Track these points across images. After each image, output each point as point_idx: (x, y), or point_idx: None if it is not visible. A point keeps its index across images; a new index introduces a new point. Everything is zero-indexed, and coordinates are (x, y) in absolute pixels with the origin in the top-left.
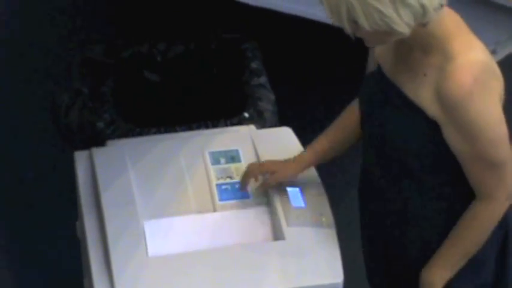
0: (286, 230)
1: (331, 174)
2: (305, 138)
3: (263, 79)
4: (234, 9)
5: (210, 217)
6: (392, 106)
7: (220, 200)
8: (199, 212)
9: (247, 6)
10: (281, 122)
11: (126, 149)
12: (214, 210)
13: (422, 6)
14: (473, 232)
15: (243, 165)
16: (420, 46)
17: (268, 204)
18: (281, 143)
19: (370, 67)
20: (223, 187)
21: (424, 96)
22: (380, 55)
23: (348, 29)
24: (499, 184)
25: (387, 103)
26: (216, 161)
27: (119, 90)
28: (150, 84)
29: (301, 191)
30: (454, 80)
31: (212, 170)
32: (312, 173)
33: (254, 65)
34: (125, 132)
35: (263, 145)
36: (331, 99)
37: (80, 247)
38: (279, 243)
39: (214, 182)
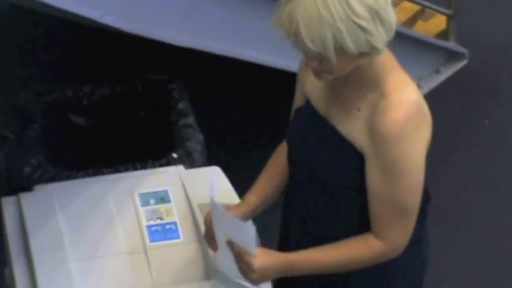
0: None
1: None
2: (234, 178)
3: (190, 119)
4: (160, 50)
5: (141, 258)
6: (323, 141)
7: (151, 241)
8: (130, 253)
9: (173, 47)
10: (210, 161)
11: (54, 194)
12: (145, 251)
13: (390, 24)
14: (354, 262)
15: (172, 205)
16: (357, 81)
17: (199, 244)
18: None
19: (297, 103)
20: (154, 228)
21: (356, 130)
22: (311, 91)
23: (331, 57)
24: (401, 231)
25: (318, 138)
26: (145, 202)
27: (46, 134)
28: (77, 127)
29: None
30: (386, 116)
31: (142, 211)
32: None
33: (181, 105)
34: (52, 177)
35: (192, 185)
36: (261, 138)
37: None
38: (210, 283)
39: (144, 223)
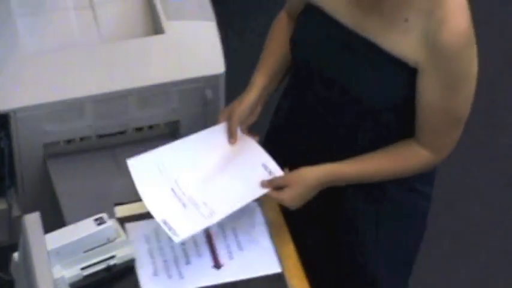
0: (166, 23)
1: None
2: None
3: None
4: None
5: (88, 13)
6: (357, 57)
7: None
8: (77, 9)
9: None
10: None
11: None
12: (92, 6)
13: None
14: (398, 170)
15: None
16: None
17: None
18: None
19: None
20: None
21: (406, 44)
22: None
23: None
24: (452, 139)
25: (350, 53)
26: None
27: None
28: None
29: None
30: (449, 25)
31: None
32: None
33: None
34: None
35: None
36: None
37: None
38: (159, 37)
39: None
